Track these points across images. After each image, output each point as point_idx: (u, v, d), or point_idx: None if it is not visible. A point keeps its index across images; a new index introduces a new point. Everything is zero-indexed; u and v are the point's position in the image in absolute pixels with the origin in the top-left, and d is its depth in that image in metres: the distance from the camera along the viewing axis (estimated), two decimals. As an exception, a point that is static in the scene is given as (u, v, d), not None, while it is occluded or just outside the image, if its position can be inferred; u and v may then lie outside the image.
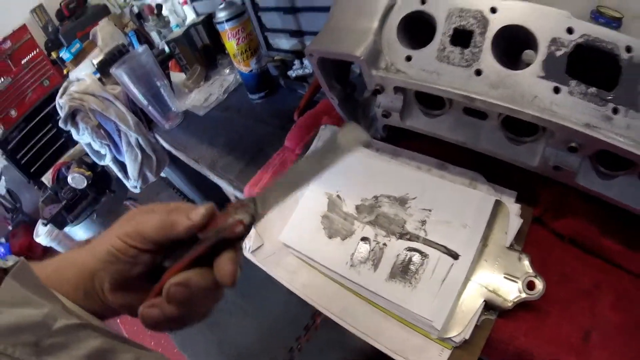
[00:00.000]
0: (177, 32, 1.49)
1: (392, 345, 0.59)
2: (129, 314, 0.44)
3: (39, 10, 2.47)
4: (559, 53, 0.50)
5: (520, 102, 0.52)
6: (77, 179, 1.82)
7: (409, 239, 0.63)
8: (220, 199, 2.04)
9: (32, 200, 2.78)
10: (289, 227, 0.74)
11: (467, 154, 0.67)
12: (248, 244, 0.76)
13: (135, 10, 2.06)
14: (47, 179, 2.06)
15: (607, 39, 0.48)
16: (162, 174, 1.98)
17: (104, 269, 0.41)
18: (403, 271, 0.61)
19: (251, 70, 1.16)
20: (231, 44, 1.10)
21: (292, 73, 1.18)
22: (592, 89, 0.49)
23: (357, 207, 0.70)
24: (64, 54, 1.99)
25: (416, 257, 0.62)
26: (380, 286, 0.61)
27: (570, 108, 0.50)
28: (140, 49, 1.29)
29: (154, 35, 1.92)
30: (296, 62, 1.18)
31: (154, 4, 1.88)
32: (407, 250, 0.63)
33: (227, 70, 1.44)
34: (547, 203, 0.65)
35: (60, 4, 2.37)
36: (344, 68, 0.77)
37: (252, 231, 0.74)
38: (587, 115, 0.49)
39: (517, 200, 0.66)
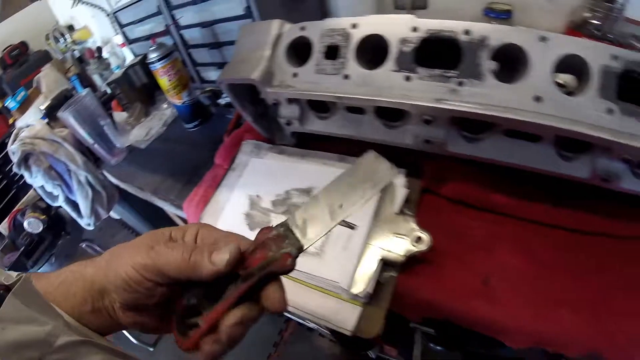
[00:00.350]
0: (117, 73, 1.59)
1: (315, 311, 0.68)
2: (140, 330, 0.44)
3: (-18, 60, 2.47)
4: (407, 49, 0.63)
5: (380, 94, 0.65)
6: (33, 224, 1.86)
7: (314, 220, 0.76)
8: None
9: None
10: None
11: (361, 145, 0.77)
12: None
13: (77, 54, 2.14)
14: (3, 228, 2.08)
15: (446, 29, 0.60)
16: (116, 215, 2.04)
17: (116, 292, 0.40)
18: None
19: (184, 102, 1.28)
20: (163, 81, 1.22)
21: (222, 101, 1.31)
22: (437, 71, 0.61)
23: (273, 202, 0.82)
24: (10, 103, 2.03)
25: (321, 234, 0.74)
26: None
27: (421, 90, 0.62)
28: (83, 92, 1.39)
29: (96, 78, 2.00)
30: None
31: (94, 47, 1.98)
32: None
33: (165, 105, 1.55)
34: (431, 173, 0.77)
35: (2, 52, 2.39)
36: (254, 91, 0.88)
37: None
38: (436, 92, 0.61)
39: (408, 176, 0.77)
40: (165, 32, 1.41)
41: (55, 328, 0.36)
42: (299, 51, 0.76)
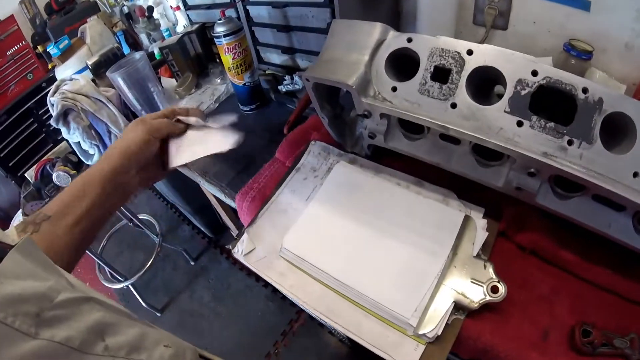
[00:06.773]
0: (172, 39, 1.53)
1: (372, 340, 0.65)
2: (151, 183, 0.79)
3: (28, 2, 2.47)
4: (523, 92, 0.59)
5: (488, 133, 0.61)
6: (61, 177, 1.82)
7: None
8: (201, 200, 2.07)
9: (7, 196, 2.74)
10: (293, 234, 0.80)
11: (441, 173, 0.75)
12: (240, 248, 0.80)
13: (125, 10, 2.08)
14: (30, 175, 2.04)
15: (566, 81, 0.57)
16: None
17: (135, 159, 0.68)
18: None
19: (244, 84, 1.22)
20: (227, 58, 1.16)
21: (282, 88, 1.24)
22: (551, 124, 0.57)
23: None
24: (52, 49, 1.99)
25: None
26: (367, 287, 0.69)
27: (531, 139, 0.59)
28: (137, 55, 1.33)
29: (143, 37, 1.95)
30: (287, 77, 1.25)
31: (145, 6, 1.91)
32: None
33: (219, 80, 1.49)
34: (511, 219, 0.73)
35: (50, -3, 2.34)
36: (334, 92, 0.84)
37: (245, 236, 0.81)
38: (545, 145, 0.58)
39: (485, 216, 0.73)
40: (231, 4, 1.35)
41: (57, 284, 0.36)
42: (399, 63, 0.70)
